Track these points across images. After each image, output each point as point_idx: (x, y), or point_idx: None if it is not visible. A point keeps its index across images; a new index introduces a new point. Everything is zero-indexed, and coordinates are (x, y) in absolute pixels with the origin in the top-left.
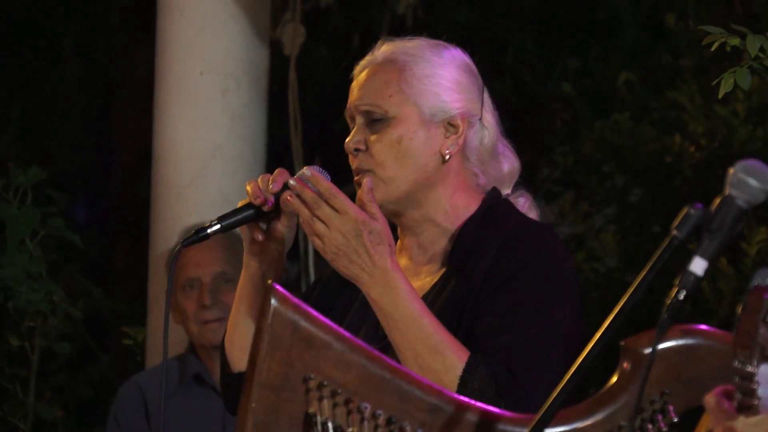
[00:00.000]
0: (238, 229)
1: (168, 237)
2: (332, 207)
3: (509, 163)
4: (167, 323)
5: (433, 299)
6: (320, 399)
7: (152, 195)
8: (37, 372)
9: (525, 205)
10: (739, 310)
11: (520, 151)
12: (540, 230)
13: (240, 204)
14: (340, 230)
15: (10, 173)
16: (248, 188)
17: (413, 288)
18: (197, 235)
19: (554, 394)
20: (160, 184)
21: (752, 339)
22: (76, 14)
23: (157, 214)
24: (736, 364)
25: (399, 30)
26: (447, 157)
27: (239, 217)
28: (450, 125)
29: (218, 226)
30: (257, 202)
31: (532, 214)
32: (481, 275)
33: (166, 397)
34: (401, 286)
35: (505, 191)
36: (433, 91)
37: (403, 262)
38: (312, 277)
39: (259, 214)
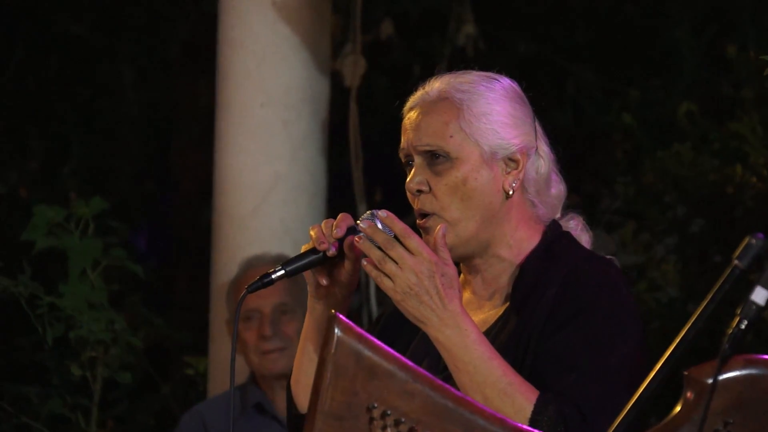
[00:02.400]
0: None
1: (229, 267)
2: (406, 248)
3: (555, 187)
4: (233, 359)
5: (496, 333)
6: (384, 428)
7: (213, 225)
8: (99, 401)
9: (577, 227)
10: None
11: (581, 181)
12: (601, 265)
13: (304, 249)
14: (414, 269)
15: (72, 204)
16: (312, 233)
17: (480, 331)
18: (262, 281)
19: (615, 423)
20: (221, 215)
21: None
22: (137, 46)
23: (219, 244)
24: None
25: (459, 61)
26: (510, 192)
27: (303, 262)
28: (510, 161)
29: (283, 272)
30: (321, 247)
31: (585, 236)
32: (544, 311)
33: (228, 427)
34: (471, 329)
35: (556, 215)
36: (491, 129)
37: (466, 296)
38: (373, 307)
39: (324, 259)
